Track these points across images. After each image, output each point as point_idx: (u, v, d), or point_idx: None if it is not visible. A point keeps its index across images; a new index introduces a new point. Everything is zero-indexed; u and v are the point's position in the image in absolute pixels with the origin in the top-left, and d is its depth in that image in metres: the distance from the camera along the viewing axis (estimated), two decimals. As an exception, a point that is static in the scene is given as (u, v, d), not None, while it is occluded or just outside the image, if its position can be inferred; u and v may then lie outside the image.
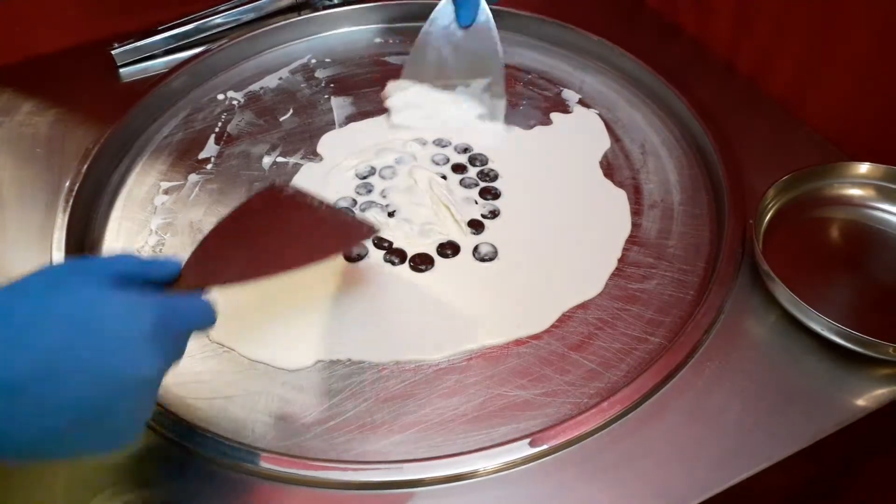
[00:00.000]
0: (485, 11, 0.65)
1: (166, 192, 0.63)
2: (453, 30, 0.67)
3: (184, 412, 0.47)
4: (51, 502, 0.43)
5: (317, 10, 0.79)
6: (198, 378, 0.50)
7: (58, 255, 0.55)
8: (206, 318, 0.40)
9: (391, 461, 0.45)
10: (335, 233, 0.49)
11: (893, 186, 0.57)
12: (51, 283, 0.36)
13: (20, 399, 0.32)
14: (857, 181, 0.58)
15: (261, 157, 0.66)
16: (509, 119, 0.68)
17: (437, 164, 0.64)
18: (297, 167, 0.65)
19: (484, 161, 0.64)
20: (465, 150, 0.65)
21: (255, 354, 0.51)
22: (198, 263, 0.42)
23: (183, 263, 0.41)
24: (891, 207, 0.57)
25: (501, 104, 0.67)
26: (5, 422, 0.32)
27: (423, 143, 0.66)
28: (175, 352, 0.38)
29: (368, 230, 0.51)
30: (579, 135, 0.67)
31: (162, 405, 0.47)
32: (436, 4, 0.73)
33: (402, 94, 0.67)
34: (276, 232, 0.48)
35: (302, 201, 0.50)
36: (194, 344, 0.52)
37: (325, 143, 0.67)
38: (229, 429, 0.47)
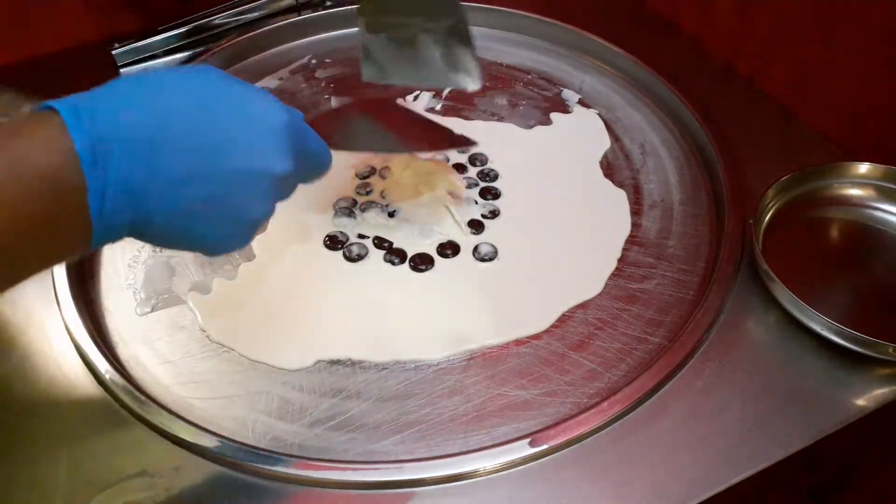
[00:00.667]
0: None
1: (166, 192, 0.63)
2: None
3: (184, 412, 0.47)
4: (51, 502, 0.43)
5: (317, 10, 0.79)
6: (198, 378, 0.50)
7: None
8: (326, 153, 0.44)
9: (391, 461, 0.45)
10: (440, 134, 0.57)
11: (893, 186, 0.57)
12: (201, 73, 0.38)
13: (166, 156, 0.34)
14: (857, 181, 0.58)
15: (261, 157, 0.66)
16: (510, 119, 0.68)
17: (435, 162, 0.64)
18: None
19: (484, 161, 0.64)
20: (465, 150, 0.65)
21: (256, 354, 0.51)
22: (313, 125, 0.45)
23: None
24: (891, 207, 0.57)
25: (470, 52, 0.57)
26: (148, 176, 0.34)
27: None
28: (298, 166, 0.39)
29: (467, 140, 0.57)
30: (579, 135, 0.67)
31: (162, 405, 0.47)
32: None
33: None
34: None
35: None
36: (194, 344, 0.52)
37: (326, 143, 0.67)
38: (229, 429, 0.47)
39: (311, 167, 0.43)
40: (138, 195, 0.34)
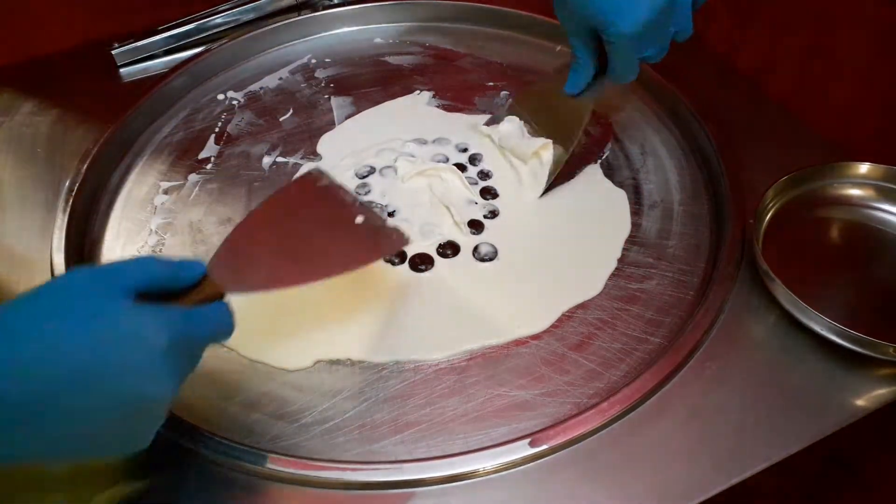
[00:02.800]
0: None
1: (166, 191, 0.63)
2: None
3: (184, 412, 0.47)
4: (51, 502, 0.43)
5: (317, 10, 0.79)
6: (198, 378, 0.50)
7: (58, 256, 0.55)
8: (224, 330, 0.40)
9: (391, 461, 0.45)
10: (369, 241, 0.48)
11: (893, 186, 0.57)
12: (67, 295, 0.35)
13: (28, 422, 0.32)
14: (857, 181, 0.58)
15: (261, 157, 0.66)
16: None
17: (437, 163, 0.64)
18: (296, 167, 0.65)
19: (483, 160, 0.64)
20: (465, 150, 0.65)
21: (256, 354, 0.51)
22: (225, 265, 0.41)
23: (207, 264, 0.40)
24: (891, 207, 0.57)
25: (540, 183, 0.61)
26: (7, 446, 0.33)
27: (423, 143, 0.66)
28: (190, 365, 0.38)
29: (400, 239, 0.49)
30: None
31: (162, 405, 0.47)
32: (424, 3, 0.74)
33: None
34: (308, 233, 0.46)
35: (336, 196, 0.49)
36: (194, 344, 0.52)
37: (325, 143, 0.67)
38: (229, 429, 0.47)
39: (205, 348, 0.40)
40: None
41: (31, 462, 0.35)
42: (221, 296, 0.40)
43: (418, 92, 0.71)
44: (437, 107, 0.70)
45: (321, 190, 0.48)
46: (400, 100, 0.71)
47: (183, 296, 0.39)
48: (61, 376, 0.33)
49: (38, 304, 0.34)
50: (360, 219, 0.48)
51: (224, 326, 0.40)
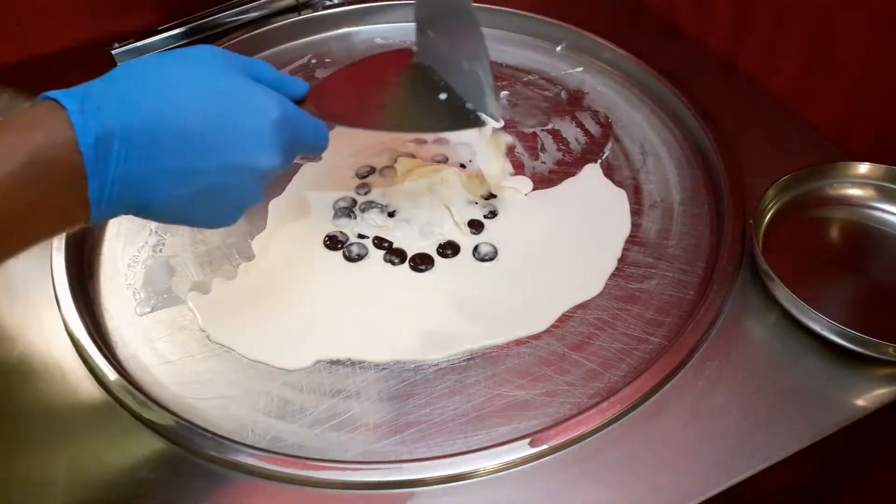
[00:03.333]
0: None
1: (166, 192, 0.63)
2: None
3: (184, 412, 0.47)
4: (51, 502, 0.43)
5: (317, 10, 0.79)
6: (198, 378, 0.50)
7: (57, 256, 0.55)
8: (321, 137, 0.44)
9: (391, 461, 0.45)
10: (445, 116, 0.52)
11: (893, 186, 0.57)
12: (198, 60, 0.39)
13: (162, 153, 0.36)
14: (857, 181, 0.58)
15: (261, 157, 0.66)
16: (510, 118, 0.68)
17: (437, 163, 0.64)
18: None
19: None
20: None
21: (255, 354, 0.51)
22: (321, 96, 0.46)
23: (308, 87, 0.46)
24: (891, 207, 0.57)
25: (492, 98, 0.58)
26: (145, 172, 0.36)
27: (422, 143, 0.66)
28: (289, 156, 0.42)
29: (476, 121, 0.52)
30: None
31: (162, 405, 0.47)
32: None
33: None
34: (394, 93, 0.51)
35: (425, 73, 0.53)
36: (194, 344, 0.52)
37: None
38: (229, 429, 0.47)
39: (305, 150, 0.45)
40: (135, 188, 0.37)
41: (145, 204, 0.38)
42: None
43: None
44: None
45: (413, 66, 0.53)
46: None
47: None
48: (185, 127, 0.37)
49: (169, 62, 0.39)
50: (443, 96, 0.52)
51: (322, 133, 0.44)
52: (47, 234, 0.37)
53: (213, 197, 0.39)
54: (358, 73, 0.51)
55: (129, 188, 0.37)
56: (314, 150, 0.45)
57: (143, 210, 0.39)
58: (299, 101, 0.45)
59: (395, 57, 0.55)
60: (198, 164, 0.38)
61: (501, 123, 0.54)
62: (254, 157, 0.39)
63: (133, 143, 0.36)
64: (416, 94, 0.53)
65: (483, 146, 0.58)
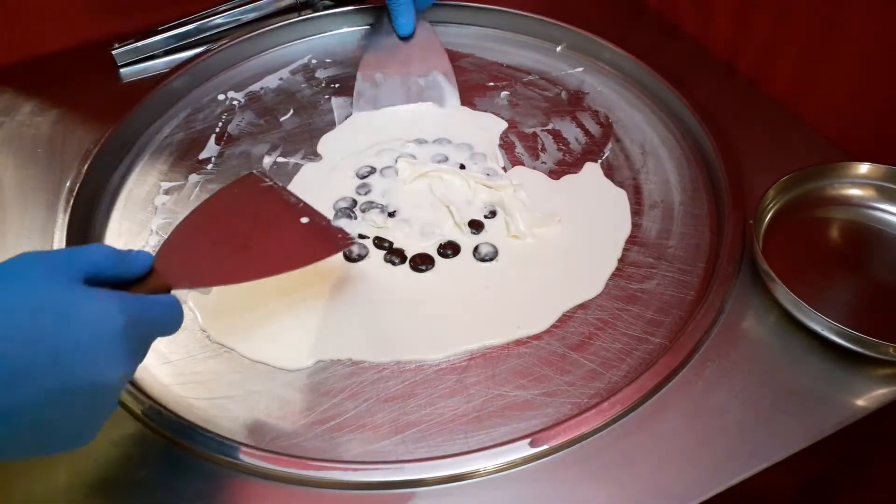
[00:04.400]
0: (423, 23, 0.70)
1: (167, 192, 0.63)
2: (393, 45, 0.70)
3: (184, 412, 0.47)
4: (50, 502, 0.43)
5: (317, 10, 0.79)
6: (198, 378, 0.50)
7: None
8: (174, 321, 0.40)
9: (391, 461, 0.45)
10: (313, 241, 0.48)
11: (893, 186, 0.57)
12: (16, 275, 0.34)
13: None
14: (857, 181, 0.58)
15: (261, 158, 0.66)
16: (510, 118, 0.68)
17: (437, 163, 0.64)
18: (297, 167, 0.65)
19: (483, 159, 0.64)
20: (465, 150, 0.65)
21: (256, 355, 0.51)
22: (170, 259, 0.41)
23: (154, 256, 0.41)
24: (891, 207, 0.57)
25: (454, 92, 0.69)
26: None
27: (422, 143, 0.66)
28: (140, 356, 0.37)
29: (345, 240, 0.49)
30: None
31: (162, 405, 0.47)
32: (436, 3, 0.74)
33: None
34: (252, 230, 0.47)
35: (280, 196, 0.49)
36: (194, 344, 0.52)
37: (326, 143, 0.67)
38: (229, 429, 0.47)
39: (159, 335, 0.40)
40: None
41: None
42: (168, 289, 0.40)
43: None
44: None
45: (265, 190, 0.49)
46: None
47: (130, 287, 0.39)
48: (15, 360, 0.31)
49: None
50: (304, 219, 0.49)
51: (173, 316, 0.39)
52: None
53: (66, 422, 0.34)
54: (208, 217, 0.46)
55: None
56: (167, 333, 0.40)
57: None
58: (145, 275, 0.40)
59: (243, 186, 0.49)
60: (32, 398, 0.32)
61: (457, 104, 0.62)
62: (101, 372, 0.34)
63: None
64: (277, 226, 0.48)
65: (507, 206, 0.59)
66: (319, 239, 0.49)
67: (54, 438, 0.34)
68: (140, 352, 0.37)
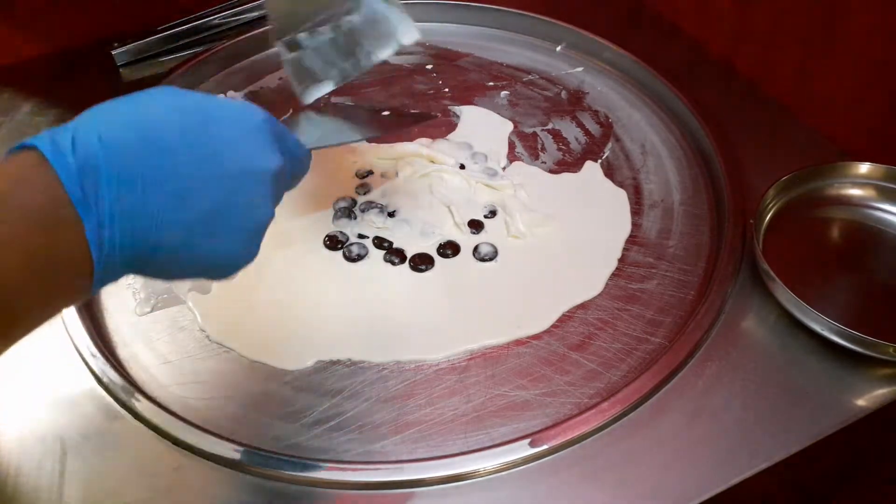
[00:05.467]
0: None
1: (166, 192, 0.63)
2: None
3: (184, 412, 0.47)
4: (51, 503, 0.43)
5: (317, 10, 0.79)
6: (198, 378, 0.50)
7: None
8: (304, 153, 0.42)
9: (391, 461, 0.45)
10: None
11: (893, 186, 0.57)
12: (163, 90, 0.36)
13: (157, 173, 0.32)
14: (857, 181, 0.58)
15: (261, 157, 0.66)
16: (510, 119, 0.68)
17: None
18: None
19: (483, 159, 0.64)
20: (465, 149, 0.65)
21: (256, 355, 0.51)
22: None
23: None
24: (891, 207, 0.57)
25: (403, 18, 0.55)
26: (144, 198, 0.32)
27: (422, 144, 0.66)
28: (279, 154, 0.39)
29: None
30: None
31: (162, 405, 0.47)
32: (424, 4, 0.73)
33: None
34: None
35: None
36: (194, 344, 0.52)
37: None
38: (229, 429, 0.47)
39: (293, 165, 0.42)
40: (137, 220, 0.32)
41: (163, 253, 0.34)
42: None
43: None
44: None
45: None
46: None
47: None
48: (171, 140, 0.33)
49: (135, 96, 0.35)
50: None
51: (304, 150, 0.42)
52: (47, 306, 0.32)
53: (224, 218, 0.35)
54: None
55: (130, 222, 0.32)
56: (300, 163, 0.42)
57: (153, 253, 0.33)
58: None
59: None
60: (200, 179, 0.34)
61: (417, 36, 0.53)
62: (257, 158, 0.36)
63: (121, 168, 0.32)
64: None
65: (507, 206, 0.59)
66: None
67: (225, 234, 0.36)
68: (278, 150, 0.39)
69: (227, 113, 0.36)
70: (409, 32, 0.54)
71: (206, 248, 0.35)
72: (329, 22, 0.53)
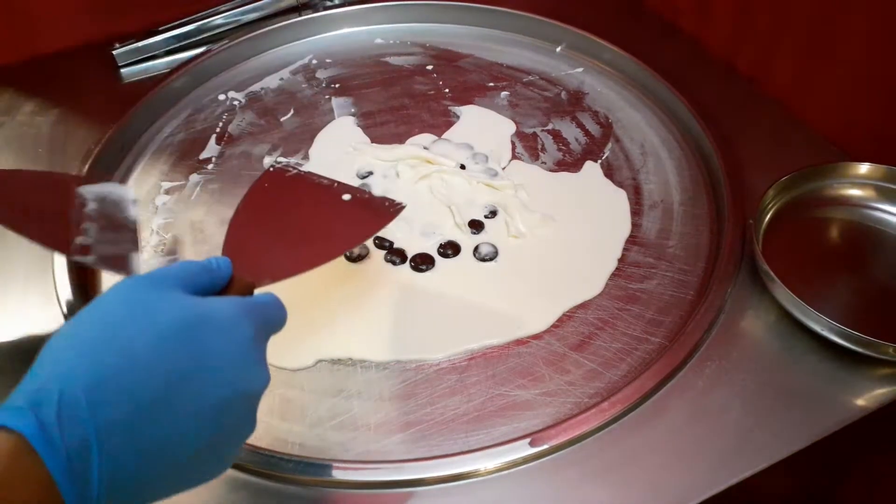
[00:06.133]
0: None
1: (167, 192, 0.63)
2: None
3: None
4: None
5: (317, 10, 0.79)
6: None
7: (59, 255, 0.55)
8: (283, 317, 0.39)
9: (391, 461, 0.45)
10: (364, 214, 0.48)
11: (893, 186, 0.57)
12: (139, 300, 0.32)
13: (146, 460, 0.30)
14: (857, 181, 0.58)
15: (262, 158, 0.66)
16: (510, 119, 0.69)
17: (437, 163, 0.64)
18: (297, 167, 0.65)
19: (484, 160, 0.64)
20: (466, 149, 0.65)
21: (256, 354, 0.51)
22: (240, 261, 0.40)
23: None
24: (891, 207, 0.57)
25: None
26: (134, 476, 0.29)
27: (422, 145, 0.66)
28: (265, 355, 0.36)
29: (394, 207, 0.48)
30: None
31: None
32: (424, 4, 0.73)
33: None
34: (304, 217, 0.47)
35: (311, 181, 0.50)
36: (195, 344, 0.52)
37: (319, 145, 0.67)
38: (230, 428, 0.47)
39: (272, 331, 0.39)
40: (128, 486, 0.30)
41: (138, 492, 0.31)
42: (251, 290, 0.40)
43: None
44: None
45: (295, 178, 0.49)
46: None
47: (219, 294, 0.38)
48: (162, 380, 0.30)
49: (113, 313, 0.32)
50: (346, 196, 0.49)
51: (282, 312, 0.38)
52: None
53: (211, 450, 0.32)
54: (254, 215, 0.45)
55: (120, 491, 0.29)
56: (277, 331, 0.38)
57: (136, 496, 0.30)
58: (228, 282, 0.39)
59: (272, 180, 0.48)
60: (188, 434, 0.31)
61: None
62: (243, 384, 0.33)
63: (113, 446, 0.28)
64: (325, 208, 0.48)
65: (507, 206, 0.59)
66: (370, 210, 0.48)
67: (200, 467, 0.33)
68: (265, 357, 0.36)
69: (214, 336, 0.32)
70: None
71: (195, 478, 0.33)
72: None
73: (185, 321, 0.32)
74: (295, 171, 0.50)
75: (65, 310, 0.52)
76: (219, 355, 0.32)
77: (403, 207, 0.49)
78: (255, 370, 0.34)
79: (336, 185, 0.50)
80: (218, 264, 0.38)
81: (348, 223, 0.47)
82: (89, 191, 0.48)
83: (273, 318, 0.38)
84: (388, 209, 0.49)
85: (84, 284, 0.55)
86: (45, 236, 0.46)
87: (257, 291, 0.40)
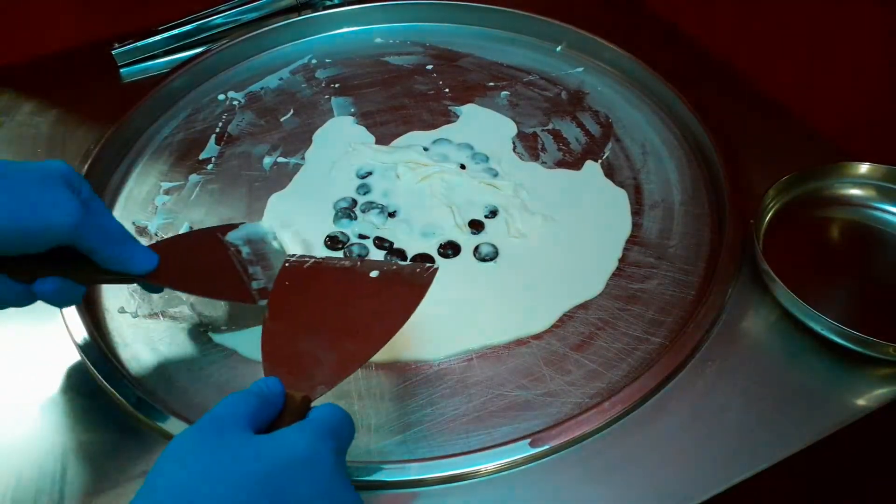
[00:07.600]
0: None
1: (167, 192, 0.63)
2: None
3: (184, 412, 0.47)
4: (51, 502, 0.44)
5: (317, 10, 0.79)
6: (199, 379, 0.50)
7: (59, 256, 0.55)
8: (353, 428, 0.38)
9: (391, 461, 0.45)
10: (400, 289, 0.45)
11: (893, 186, 0.57)
12: (215, 462, 0.32)
13: None
14: (857, 181, 0.58)
15: (261, 158, 0.66)
16: (510, 119, 0.68)
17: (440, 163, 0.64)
18: (297, 167, 0.65)
19: (484, 160, 0.64)
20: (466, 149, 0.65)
21: (256, 354, 0.51)
22: (290, 374, 0.39)
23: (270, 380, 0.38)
24: (891, 207, 0.57)
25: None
26: None
27: (424, 150, 0.66)
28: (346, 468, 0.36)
29: (429, 272, 0.47)
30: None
31: (163, 405, 0.47)
32: (424, 3, 0.73)
33: None
34: (340, 309, 0.44)
35: (332, 267, 0.47)
36: (196, 345, 0.52)
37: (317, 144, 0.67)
38: (230, 429, 0.47)
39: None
40: None
41: None
42: (308, 403, 0.38)
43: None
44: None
45: (314, 269, 0.47)
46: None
47: (282, 420, 0.37)
48: None
49: (189, 481, 0.31)
50: (374, 273, 0.47)
51: (349, 425, 0.38)
52: None
53: None
54: (287, 320, 0.43)
55: None
56: (350, 442, 0.38)
57: None
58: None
59: (292, 276, 0.47)
60: None
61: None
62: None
63: None
64: (358, 293, 0.46)
65: (507, 206, 0.59)
66: (403, 284, 0.46)
67: None
68: (348, 477, 0.35)
69: (299, 480, 0.32)
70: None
71: None
72: None
73: (268, 474, 0.32)
74: (312, 261, 0.48)
75: (64, 313, 0.52)
76: (308, 499, 0.32)
77: (437, 270, 0.47)
78: (345, 496, 0.34)
79: (359, 263, 0.48)
80: (269, 388, 0.37)
81: (386, 304, 0.45)
82: (236, 237, 0.52)
83: (346, 434, 0.37)
84: (422, 276, 0.46)
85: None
86: (229, 292, 0.50)
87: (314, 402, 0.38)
